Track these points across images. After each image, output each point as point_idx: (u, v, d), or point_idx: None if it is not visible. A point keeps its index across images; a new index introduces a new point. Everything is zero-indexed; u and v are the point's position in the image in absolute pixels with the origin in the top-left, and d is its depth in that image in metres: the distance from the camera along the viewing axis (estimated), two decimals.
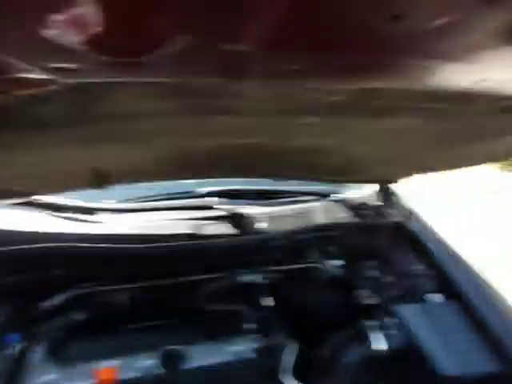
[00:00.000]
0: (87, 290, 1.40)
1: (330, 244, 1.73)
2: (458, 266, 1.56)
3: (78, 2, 0.37)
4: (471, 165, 1.53)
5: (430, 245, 1.69)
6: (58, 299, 1.36)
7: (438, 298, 1.52)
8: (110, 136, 0.81)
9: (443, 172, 1.66)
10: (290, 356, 1.27)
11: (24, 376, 1.13)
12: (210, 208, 1.70)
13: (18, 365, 1.17)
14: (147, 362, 1.18)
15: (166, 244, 1.45)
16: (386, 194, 2.05)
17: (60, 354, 1.20)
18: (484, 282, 1.51)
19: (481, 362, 1.26)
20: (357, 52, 0.49)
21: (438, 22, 0.40)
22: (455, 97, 0.82)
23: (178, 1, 0.37)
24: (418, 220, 1.89)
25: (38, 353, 1.20)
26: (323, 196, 1.94)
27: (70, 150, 0.87)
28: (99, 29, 0.39)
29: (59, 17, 0.38)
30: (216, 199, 1.73)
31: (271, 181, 1.89)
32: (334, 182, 1.93)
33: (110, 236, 1.45)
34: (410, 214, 1.94)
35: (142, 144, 0.94)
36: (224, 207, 1.70)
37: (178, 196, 1.75)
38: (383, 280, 1.59)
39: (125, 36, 0.42)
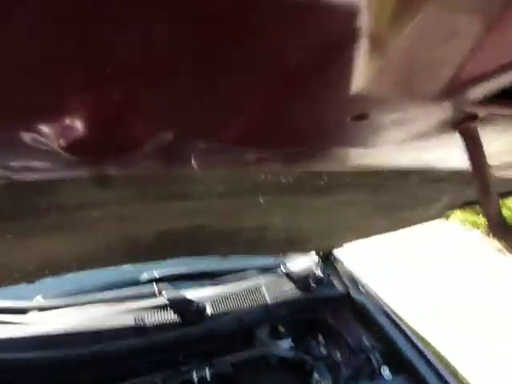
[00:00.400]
0: None
1: (277, 323, 1.70)
2: (405, 338, 1.58)
3: (61, 111, 0.36)
4: (404, 227, 1.63)
5: (377, 315, 1.71)
6: None
7: (387, 373, 1.52)
8: (57, 227, 0.77)
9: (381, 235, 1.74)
10: None
11: None
12: (152, 296, 1.61)
13: None
14: None
15: (104, 346, 1.33)
16: (329, 263, 2.10)
17: None
18: (429, 353, 1.54)
19: None
20: (312, 146, 0.53)
21: (391, 118, 0.44)
22: (391, 174, 0.89)
23: (163, 104, 0.37)
24: (363, 288, 1.93)
25: None
26: (267, 270, 1.94)
27: (9, 243, 0.80)
28: (78, 134, 0.38)
29: (40, 123, 0.36)
30: (158, 285, 1.66)
31: (214, 259, 1.86)
32: (278, 254, 1.95)
33: (42, 339, 1.31)
34: (354, 282, 1.98)
35: (90, 232, 0.89)
36: (167, 294, 1.62)
37: (116, 285, 1.65)
38: (334, 358, 1.57)
39: (106, 141, 0.41)
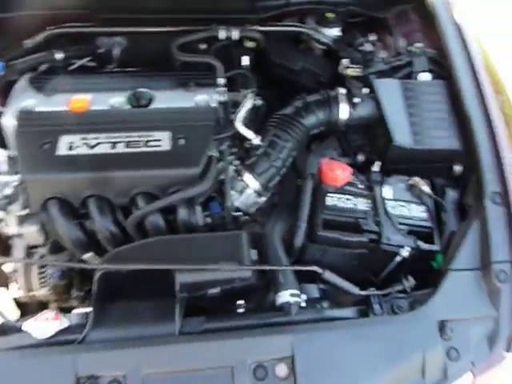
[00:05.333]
0: (70, 31, 1.42)
1: (329, 10, 1.56)
2: (462, 51, 1.39)
3: None
4: None
5: (444, 27, 1.45)
6: (40, 37, 1.40)
7: (425, 76, 1.41)
8: None
9: None
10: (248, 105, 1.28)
11: (8, 101, 1.23)
12: None
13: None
14: (116, 99, 1.25)
15: None
16: None
17: (40, 85, 1.28)
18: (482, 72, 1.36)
19: (440, 140, 1.26)
20: None
21: None
22: None
23: None
24: None
25: (21, 82, 1.29)
26: None
27: None
28: None
29: None
30: None
31: None
32: None
33: None
34: None
35: None
36: None
37: None
38: (376, 55, 1.46)
39: None
